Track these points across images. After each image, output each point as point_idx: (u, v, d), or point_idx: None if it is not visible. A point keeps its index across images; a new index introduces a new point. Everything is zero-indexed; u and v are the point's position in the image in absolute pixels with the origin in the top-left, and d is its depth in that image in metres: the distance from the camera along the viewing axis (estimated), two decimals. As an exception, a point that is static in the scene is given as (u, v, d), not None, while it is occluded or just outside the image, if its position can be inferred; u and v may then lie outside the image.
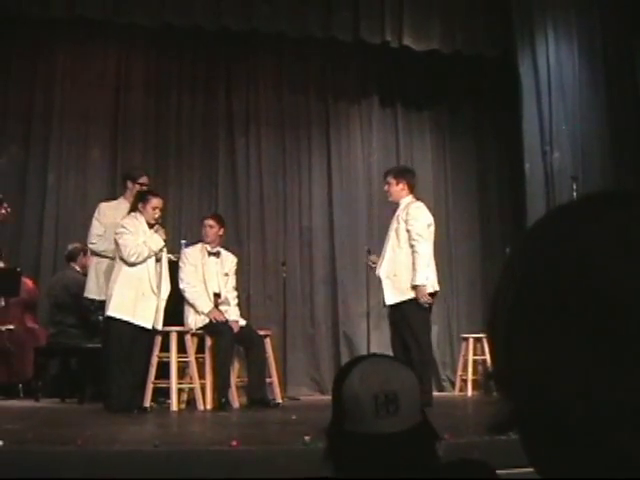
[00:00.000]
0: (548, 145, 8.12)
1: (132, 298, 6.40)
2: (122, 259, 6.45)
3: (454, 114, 9.97)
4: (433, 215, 9.77)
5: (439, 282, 9.45)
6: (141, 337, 6.45)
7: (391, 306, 6.49)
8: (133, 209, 6.64)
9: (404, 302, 6.37)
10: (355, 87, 9.79)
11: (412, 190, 6.69)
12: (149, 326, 6.47)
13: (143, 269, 6.53)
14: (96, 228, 6.94)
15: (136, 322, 6.39)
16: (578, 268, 0.51)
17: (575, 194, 7.18)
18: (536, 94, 8.29)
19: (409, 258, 6.40)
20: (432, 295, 6.54)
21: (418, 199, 6.75)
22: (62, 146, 9.00)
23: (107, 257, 6.84)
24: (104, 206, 7.09)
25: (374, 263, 6.78)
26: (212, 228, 7.15)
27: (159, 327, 6.56)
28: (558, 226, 0.55)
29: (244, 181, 9.38)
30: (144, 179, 7.05)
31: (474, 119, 9.99)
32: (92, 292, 6.94)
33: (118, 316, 6.37)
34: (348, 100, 9.76)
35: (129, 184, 7.05)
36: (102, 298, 6.77)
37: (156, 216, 6.66)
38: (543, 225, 0.57)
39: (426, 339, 6.47)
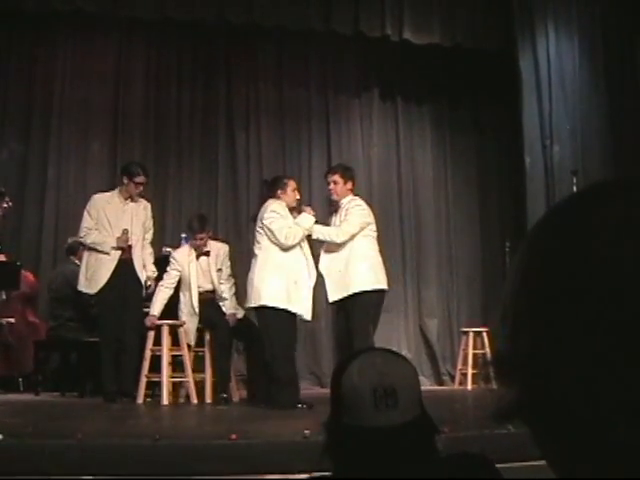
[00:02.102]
0: (548, 139, 8.12)
1: (285, 286, 6.19)
2: (277, 244, 6.23)
3: (454, 108, 9.96)
4: (433, 209, 9.81)
5: (437, 276, 9.55)
6: (295, 327, 6.33)
7: (335, 302, 6.38)
8: (270, 197, 6.45)
9: (348, 297, 6.23)
10: (355, 81, 9.79)
11: (353, 188, 6.59)
12: (308, 316, 6.31)
13: (296, 255, 6.31)
14: (86, 221, 6.83)
15: (294, 310, 6.20)
16: (580, 256, 0.52)
17: (575, 188, 7.17)
18: (536, 88, 8.28)
19: (349, 252, 6.30)
20: (380, 292, 6.38)
21: (357, 195, 6.63)
22: (62, 140, 9.00)
23: (95, 250, 6.76)
24: (97, 198, 6.97)
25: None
26: (206, 239, 7.09)
27: (309, 317, 6.41)
28: (565, 214, 0.56)
29: (244, 174, 9.38)
30: (141, 179, 6.89)
31: (474, 113, 9.98)
32: (82, 285, 6.84)
33: (273, 304, 6.14)
34: (348, 94, 9.75)
35: (125, 180, 6.91)
36: (91, 291, 6.78)
37: (297, 197, 6.54)
38: (553, 212, 0.57)
39: (369, 332, 6.22)
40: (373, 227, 6.49)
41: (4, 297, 7.64)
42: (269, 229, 6.24)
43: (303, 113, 9.63)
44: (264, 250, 6.29)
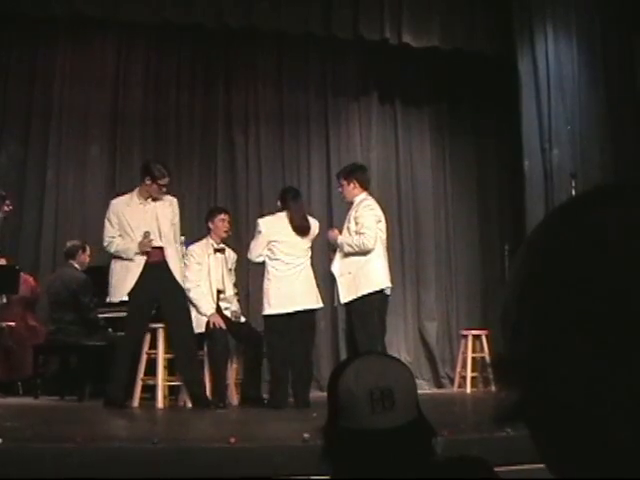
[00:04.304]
0: (547, 142, 8.11)
1: None
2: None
3: (453, 111, 9.96)
4: (432, 213, 9.81)
5: (437, 279, 9.55)
6: None
7: (346, 304, 6.44)
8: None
9: (358, 299, 6.30)
10: (354, 84, 9.79)
11: (364, 187, 6.60)
12: None
13: None
14: (107, 230, 6.50)
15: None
16: (580, 257, 0.52)
17: (574, 191, 7.17)
18: (535, 91, 8.29)
19: (361, 256, 6.34)
20: (380, 292, 6.39)
21: (371, 195, 6.67)
22: (61, 143, 8.99)
23: (120, 258, 6.47)
24: (115, 203, 6.60)
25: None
26: (229, 223, 7.17)
27: None
28: (565, 216, 0.56)
29: (243, 178, 9.38)
30: (165, 180, 6.51)
31: (473, 116, 9.98)
32: (110, 294, 6.58)
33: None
34: (347, 97, 9.75)
35: (147, 181, 6.46)
36: (114, 300, 6.53)
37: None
38: (553, 214, 0.58)
39: (375, 334, 6.31)
40: (381, 226, 6.52)
41: (5, 301, 7.64)
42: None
43: (302, 116, 9.64)
44: (308, 258, 6.69)
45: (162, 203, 6.58)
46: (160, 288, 6.44)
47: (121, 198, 6.68)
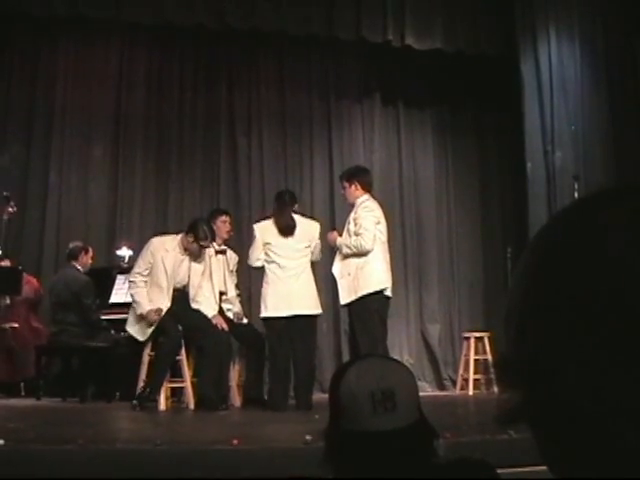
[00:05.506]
0: (550, 144, 8.11)
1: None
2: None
3: (456, 113, 9.96)
4: (434, 215, 9.80)
5: (439, 281, 9.55)
6: None
7: (347, 306, 6.45)
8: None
9: (357, 300, 6.30)
10: (357, 86, 9.80)
11: (367, 188, 6.60)
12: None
13: None
14: (138, 265, 6.67)
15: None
16: (584, 259, 0.52)
17: (577, 193, 7.17)
18: (538, 93, 8.29)
19: (358, 256, 6.35)
20: (379, 293, 6.38)
21: (374, 197, 6.67)
22: (64, 144, 9.00)
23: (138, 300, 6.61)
24: (156, 244, 6.71)
25: None
26: (230, 224, 7.20)
27: None
28: (569, 218, 0.56)
29: (246, 180, 9.38)
30: (206, 243, 6.67)
31: (476, 118, 9.99)
32: (131, 325, 6.68)
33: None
34: (350, 99, 9.76)
35: (190, 238, 6.63)
36: (140, 338, 6.59)
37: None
38: (557, 216, 0.58)
39: (376, 336, 6.31)
40: (381, 227, 6.51)
41: (8, 302, 7.65)
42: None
43: (305, 118, 9.64)
44: (307, 262, 6.69)
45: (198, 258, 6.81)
46: (180, 309, 6.65)
47: (163, 240, 6.81)
